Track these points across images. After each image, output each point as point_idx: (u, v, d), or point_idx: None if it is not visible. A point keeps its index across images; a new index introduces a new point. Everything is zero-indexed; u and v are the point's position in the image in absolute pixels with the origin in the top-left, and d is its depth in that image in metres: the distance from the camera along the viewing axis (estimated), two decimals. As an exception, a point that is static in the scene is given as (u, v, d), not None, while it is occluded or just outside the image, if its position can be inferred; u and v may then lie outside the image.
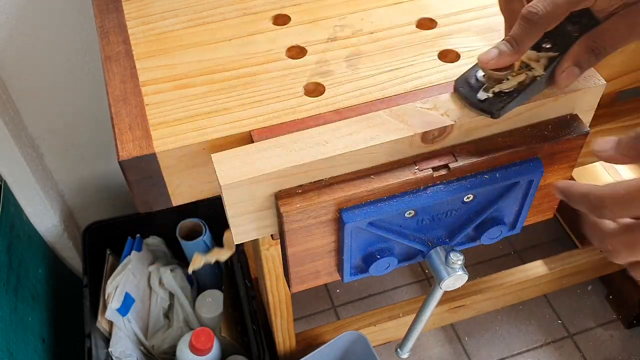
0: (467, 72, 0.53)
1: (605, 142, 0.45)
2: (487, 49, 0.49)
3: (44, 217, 1.14)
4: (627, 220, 0.43)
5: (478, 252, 1.57)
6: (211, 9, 0.66)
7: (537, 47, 0.50)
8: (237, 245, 1.13)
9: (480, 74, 0.52)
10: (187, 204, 0.58)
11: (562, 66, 0.49)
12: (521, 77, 0.50)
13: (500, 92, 0.50)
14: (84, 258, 1.16)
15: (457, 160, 0.52)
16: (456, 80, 0.53)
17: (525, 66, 0.51)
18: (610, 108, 0.76)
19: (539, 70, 0.50)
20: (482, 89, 0.51)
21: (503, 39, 0.49)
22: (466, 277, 0.56)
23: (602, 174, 1.32)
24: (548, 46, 0.50)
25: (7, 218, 1.02)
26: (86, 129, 1.12)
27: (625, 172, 1.32)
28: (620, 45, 0.48)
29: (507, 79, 0.50)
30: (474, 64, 0.53)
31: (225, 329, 1.10)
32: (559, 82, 0.50)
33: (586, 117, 0.55)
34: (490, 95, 0.50)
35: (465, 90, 0.52)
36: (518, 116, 0.53)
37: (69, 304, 1.22)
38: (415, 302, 1.27)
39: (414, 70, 0.58)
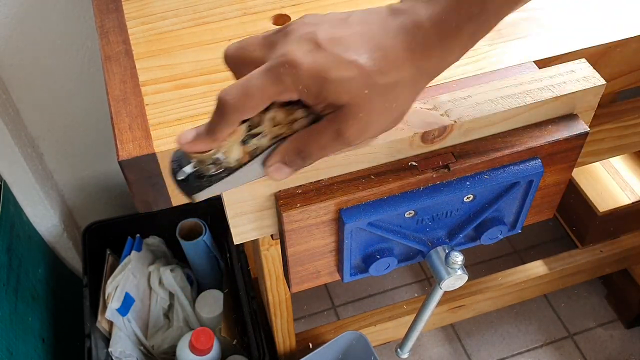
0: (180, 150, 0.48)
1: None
2: (189, 130, 0.44)
3: (44, 217, 1.14)
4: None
5: (478, 252, 1.57)
6: (211, 9, 0.66)
7: (268, 127, 0.45)
8: (237, 245, 1.13)
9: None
10: (187, 204, 0.58)
11: (270, 160, 0.45)
12: (232, 159, 0.45)
13: (204, 173, 0.45)
14: (84, 258, 1.16)
15: (457, 160, 0.52)
16: (174, 152, 0.48)
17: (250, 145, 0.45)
18: (610, 108, 0.76)
19: (245, 159, 0.45)
20: (187, 167, 0.46)
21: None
22: (466, 277, 0.56)
23: (602, 174, 1.32)
24: (279, 131, 0.44)
25: (7, 218, 1.01)
26: (86, 129, 1.12)
27: (624, 171, 1.32)
28: (328, 152, 0.44)
29: (217, 159, 0.45)
30: None
31: (225, 329, 1.10)
32: (269, 175, 0.46)
33: (586, 117, 0.55)
34: (194, 174, 0.46)
35: (175, 165, 0.47)
36: (518, 116, 0.53)
37: (69, 304, 1.22)
38: (415, 302, 1.27)
39: (414, 70, 0.58)
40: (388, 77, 0.41)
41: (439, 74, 0.44)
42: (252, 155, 0.45)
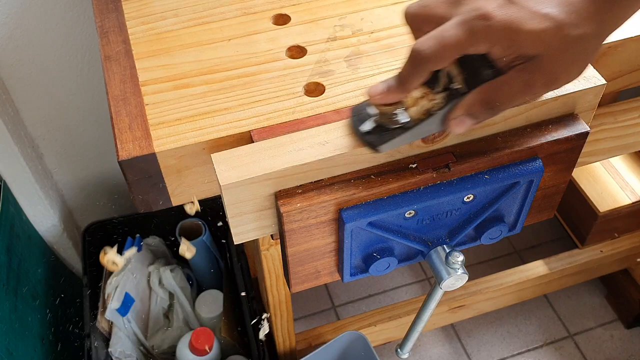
0: (363, 101, 0.50)
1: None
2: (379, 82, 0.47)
3: (43, 217, 1.14)
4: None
5: (478, 252, 1.57)
6: (211, 9, 0.66)
7: (445, 83, 0.47)
8: (237, 245, 1.13)
9: (371, 108, 0.49)
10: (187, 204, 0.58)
11: (454, 114, 0.47)
12: (412, 114, 0.47)
13: (387, 126, 0.47)
14: (84, 258, 1.16)
15: (457, 160, 0.52)
16: (353, 108, 0.50)
17: (426, 101, 0.47)
18: (610, 108, 0.76)
19: (432, 110, 0.47)
20: (369, 121, 0.48)
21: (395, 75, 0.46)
22: (466, 277, 0.56)
23: (602, 174, 1.32)
24: (457, 86, 0.46)
25: (7, 218, 1.01)
26: (86, 129, 1.12)
27: (624, 171, 1.32)
28: (516, 102, 0.46)
29: (397, 114, 0.47)
30: None
31: (225, 329, 1.10)
32: (450, 129, 0.47)
33: (586, 117, 0.55)
34: (376, 127, 0.48)
35: (355, 119, 0.49)
36: (518, 116, 0.53)
37: (69, 304, 1.22)
38: (415, 302, 1.27)
39: (414, 70, 0.58)
40: (578, 29, 0.42)
41: (618, 27, 0.45)
42: (433, 109, 0.47)
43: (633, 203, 1.26)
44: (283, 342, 1.09)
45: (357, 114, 0.49)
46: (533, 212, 0.61)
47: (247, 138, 0.53)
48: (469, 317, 1.34)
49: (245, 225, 0.53)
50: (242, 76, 0.58)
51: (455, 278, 0.56)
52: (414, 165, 0.51)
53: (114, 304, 1.06)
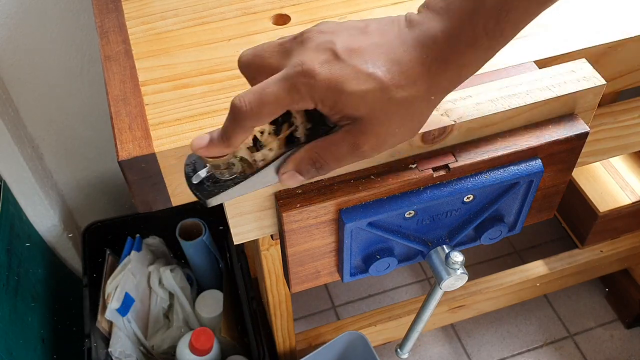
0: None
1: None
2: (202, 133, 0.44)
3: (43, 217, 1.14)
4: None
5: (478, 252, 1.57)
6: (211, 9, 0.66)
7: (288, 131, 0.45)
8: (237, 245, 1.13)
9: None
10: (187, 204, 0.58)
11: (284, 168, 0.45)
12: (243, 166, 0.46)
13: (218, 178, 0.45)
14: (84, 258, 1.16)
15: (457, 160, 0.52)
16: (188, 155, 0.48)
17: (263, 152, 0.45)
18: (610, 108, 0.76)
19: (259, 164, 0.45)
20: (201, 171, 0.46)
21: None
22: (466, 277, 0.56)
23: (602, 174, 1.32)
24: (298, 136, 0.44)
25: (7, 218, 1.01)
26: (86, 129, 1.12)
27: (624, 171, 1.32)
28: (343, 164, 0.44)
29: (231, 165, 0.45)
30: None
31: (225, 329, 1.10)
32: (282, 182, 0.46)
33: (586, 117, 0.55)
34: (208, 179, 0.46)
35: (189, 168, 0.47)
36: (518, 116, 0.53)
37: (69, 304, 1.22)
38: (415, 302, 1.27)
39: (414, 70, 0.58)
40: (405, 91, 0.41)
41: (455, 88, 0.44)
42: (266, 162, 0.45)
43: (633, 203, 1.26)
44: (283, 342, 1.09)
45: (191, 163, 0.47)
46: (533, 212, 0.61)
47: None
48: (469, 317, 1.34)
49: (245, 226, 0.53)
50: (242, 76, 0.58)
51: (455, 278, 0.56)
52: (414, 165, 0.51)
53: (114, 304, 1.06)
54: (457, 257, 0.55)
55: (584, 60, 0.55)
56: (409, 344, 0.66)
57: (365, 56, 0.40)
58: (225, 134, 0.42)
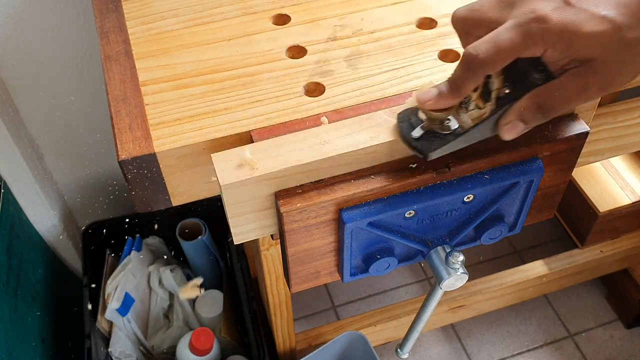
0: (410, 107, 0.50)
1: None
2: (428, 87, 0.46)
3: (43, 217, 1.14)
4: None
5: (478, 252, 1.57)
6: (211, 9, 0.66)
7: (494, 89, 0.46)
8: (237, 245, 1.13)
9: (420, 113, 0.48)
10: (187, 204, 0.58)
11: (506, 119, 0.46)
12: (462, 120, 0.47)
13: (437, 132, 0.47)
14: (84, 258, 1.16)
15: (457, 160, 0.52)
16: (398, 114, 0.50)
17: (474, 107, 0.47)
18: (610, 108, 0.76)
19: (483, 116, 0.46)
20: (419, 127, 0.47)
21: (446, 80, 0.46)
22: (466, 277, 0.56)
23: (602, 174, 1.32)
24: (507, 92, 0.46)
25: (7, 218, 1.01)
26: (86, 129, 1.12)
27: (624, 171, 1.32)
28: (571, 106, 0.46)
29: (448, 120, 0.47)
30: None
31: (225, 329, 1.10)
32: (501, 135, 0.47)
33: (586, 117, 0.55)
34: (427, 134, 0.47)
35: (404, 125, 0.48)
36: (518, 116, 0.53)
37: (69, 304, 1.22)
38: (415, 302, 1.27)
39: (414, 70, 0.58)
40: (636, 31, 0.41)
41: None
42: (484, 115, 0.46)
43: (633, 203, 1.26)
44: (283, 342, 1.09)
45: (405, 120, 0.49)
46: (533, 212, 0.61)
47: (247, 138, 0.53)
48: (469, 317, 1.34)
49: (245, 225, 0.53)
50: (242, 76, 0.58)
51: (455, 278, 0.56)
52: (414, 165, 0.51)
53: (114, 304, 1.06)
54: (457, 257, 0.55)
55: (584, 60, 0.55)
56: (409, 344, 0.66)
57: (596, 0, 0.42)
58: (456, 84, 0.45)
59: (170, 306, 1.18)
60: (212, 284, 1.21)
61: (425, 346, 1.43)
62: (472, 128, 0.47)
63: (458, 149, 0.48)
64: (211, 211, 1.16)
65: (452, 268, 0.55)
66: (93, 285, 1.12)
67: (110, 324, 1.08)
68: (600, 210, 1.25)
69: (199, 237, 1.13)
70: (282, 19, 0.64)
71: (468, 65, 0.43)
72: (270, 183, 0.49)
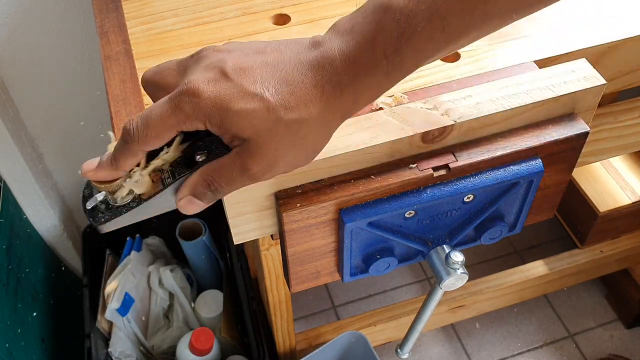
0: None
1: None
2: (94, 159, 0.43)
3: (43, 217, 1.14)
4: None
5: (478, 252, 1.57)
6: (211, 9, 0.66)
7: (190, 157, 0.43)
8: (237, 245, 1.13)
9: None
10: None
11: (180, 193, 0.43)
12: (134, 192, 0.44)
13: (111, 204, 0.44)
14: (84, 258, 1.16)
15: (457, 160, 0.52)
16: (87, 181, 0.46)
17: (140, 179, 0.44)
18: (610, 108, 0.76)
19: (157, 189, 0.43)
20: (96, 196, 0.45)
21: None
22: (466, 277, 0.56)
23: (602, 174, 1.32)
24: (202, 159, 0.42)
25: (7, 218, 1.01)
26: (86, 128, 1.12)
27: (624, 171, 1.32)
28: (236, 186, 0.42)
29: (119, 191, 0.44)
30: None
31: (225, 329, 1.10)
32: (180, 209, 0.44)
33: (586, 117, 0.55)
34: (101, 204, 0.44)
35: (87, 192, 0.45)
36: (518, 116, 0.53)
37: (69, 304, 1.22)
38: (415, 302, 1.27)
39: (414, 70, 0.58)
40: (294, 112, 0.39)
41: (354, 113, 0.42)
42: (162, 185, 0.43)
43: (633, 203, 1.26)
44: (283, 342, 1.09)
45: (88, 186, 0.46)
46: (533, 212, 0.61)
47: (247, 138, 0.53)
48: (469, 317, 1.34)
49: (245, 226, 0.53)
50: (242, 76, 0.58)
51: (455, 278, 0.56)
52: (414, 165, 0.51)
53: (114, 304, 1.06)
54: (457, 257, 0.55)
55: (584, 60, 0.55)
56: (409, 344, 0.66)
57: (255, 75, 0.39)
58: (115, 157, 0.42)
59: (170, 306, 1.18)
60: (212, 284, 1.21)
61: (425, 346, 1.43)
62: (146, 200, 0.43)
63: (139, 220, 0.45)
64: (211, 211, 1.15)
65: (452, 268, 0.55)
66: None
67: (110, 324, 1.08)
68: (600, 210, 1.25)
69: (199, 237, 1.13)
70: (282, 19, 0.64)
71: (124, 139, 0.40)
72: (270, 183, 0.49)
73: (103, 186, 0.43)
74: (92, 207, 0.44)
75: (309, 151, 0.42)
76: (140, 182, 0.43)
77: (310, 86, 0.39)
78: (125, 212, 0.44)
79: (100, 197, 0.44)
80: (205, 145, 0.43)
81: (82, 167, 0.43)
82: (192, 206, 0.44)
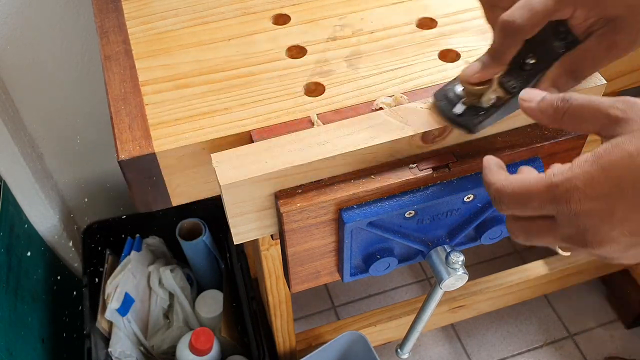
0: (445, 86, 0.52)
1: (533, 93, 0.44)
2: (471, 62, 0.48)
3: (43, 217, 1.14)
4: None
5: (478, 252, 1.57)
6: (211, 9, 0.66)
7: (521, 63, 0.49)
8: (237, 245, 1.14)
9: (459, 88, 0.50)
10: (187, 204, 0.58)
11: (541, 86, 0.48)
12: (500, 92, 0.49)
13: (478, 107, 0.49)
14: (84, 258, 1.16)
15: (457, 160, 0.52)
16: (435, 94, 0.52)
17: (506, 82, 0.50)
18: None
19: (517, 87, 0.49)
20: (460, 103, 0.50)
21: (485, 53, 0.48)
22: (466, 277, 0.56)
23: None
24: (532, 62, 0.48)
25: (7, 218, 1.01)
26: (86, 128, 1.12)
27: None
28: (599, 67, 0.47)
29: (486, 94, 0.49)
30: (454, 77, 0.52)
31: (225, 329, 1.10)
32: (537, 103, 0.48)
33: (586, 117, 0.55)
34: (468, 109, 0.49)
35: (443, 104, 0.51)
36: (518, 116, 0.53)
37: (69, 304, 1.22)
38: (415, 302, 1.27)
39: (414, 70, 0.58)
40: None
41: None
42: (517, 87, 0.48)
43: (633, 203, 1.26)
44: (283, 342, 1.09)
45: (443, 98, 0.51)
46: (533, 212, 0.61)
47: (247, 138, 0.53)
48: (469, 317, 1.34)
49: (245, 225, 0.53)
50: (242, 76, 0.58)
51: (455, 278, 0.56)
52: (414, 165, 0.51)
53: (114, 304, 1.06)
54: (457, 257, 0.55)
55: (584, 60, 0.55)
56: (409, 344, 0.66)
57: None
58: (497, 52, 0.46)
59: (170, 306, 1.18)
60: (212, 284, 1.21)
61: (425, 346, 1.42)
62: (509, 99, 0.48)
63: (499, 120, 0.50)
64: (211, 211, 1.16)
65: (452, 268, 0.55)
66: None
67: (110, 324, 1.08)
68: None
69: (199, 237, 1.13)
70: (282, 19, 0.64)
71: (506, 32, 0.45)
72: (270, 183, 0.49)
73: (477, 88, 0.48)
74: (460, 113, 0.49)
75: None
76: (496, 88, 0.49)
77: None
78: (494, 112, 0.49)
79: (461, 106, 0.49)
80: (519, 55, 0.47)
81: (465, 73, 0.48)
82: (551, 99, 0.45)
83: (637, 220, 0.37)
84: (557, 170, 0.39)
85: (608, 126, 0.39)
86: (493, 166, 0.43)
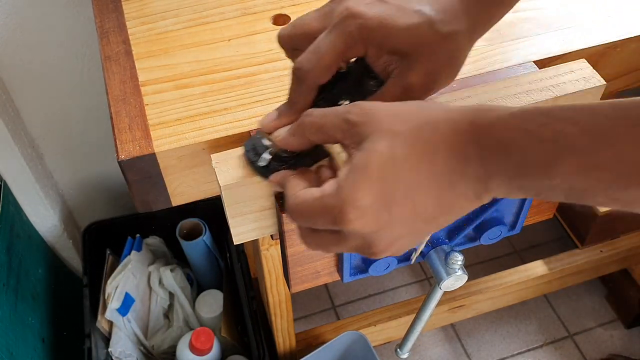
0: (254, 136, 0.48)
1: (269, 115, 0.44)
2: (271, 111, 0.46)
3: (43, 217, 1.14)
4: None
5: (478, 252, 1.57)
6: (211, 9, 0.66)
7: (334, 103, 0.45)
8: (237, 245, 1.14)
9: (265, 140, 0.47)
10: (187, 204, 0.58)
11: None
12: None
13: (283, 156, 0.46)
14: (84, 258, 1.16)
15: (457, 160, 0.52)
16: (245, 143, 0.48)
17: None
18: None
19: None
20: (266, 152, 0.46)
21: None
22: (466, 278, 0.56)
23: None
24: (346, 103, 0.45)
25: (7, 218, 1.01)
26: (86, 129, 1.12)
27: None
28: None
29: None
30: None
31: (225, 329, 1.10)
32: None
33: (586, 117, 0.55)
34: (273, 160, 0.46)
35: (250, 154, 0.47)
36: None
37: (69, 304, 1.22)
38: (415, 302, 1.27)
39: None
40: (449, 25, 0.42)
41: (488, 28, 0.45)
42: None
43: (633, 203, 1.26)
44: (283, 342, 1.09)
45: (251, 149, 0.47)
46: (533, 212, 0.61)
47: (247, 138, 0.53)
48: (469, 317, 1.34)
49: (245, 226, 0.53)
50: (242, 76, 0.58)
51: (454, 278, 0.56)
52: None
53: (114, 304, 1.06)
54: (457, 257, 0.55)
55: (583, 60, 0.55)
56: (409, 344, 0.66)
57: None
58: (292, 100, 0.45)
59: (170, 306, 1.18)
60: (212, 284, 1.21)
61: (425, 346, 1.43)
62: (316, 146, 0.45)
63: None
64: (211, 211, 1.16)
65: (451, 268, 0.55)
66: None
67: (110, 323, 1.08)
68: (600, 210, 1.25)
69: (199, 237, 1.13)
70: (282, 19, 0.64)
71: (297, 79, 0.44)
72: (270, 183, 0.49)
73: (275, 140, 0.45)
74: (265, 165, 0.46)
75: (456, 65, 0.44)
76: None
77: (455, 3, 0.43)
78: (294, 162, 0.46)
79: (267, 155, 0.46)
80: (334, 97, 0.46)
81: (262, 123, 0.46)
82: None
83: (412, 218, 0.37)
84: (329, 190, 0.38)
85: (349, 131, 0.38)
86: (287, 180, 0.42)
